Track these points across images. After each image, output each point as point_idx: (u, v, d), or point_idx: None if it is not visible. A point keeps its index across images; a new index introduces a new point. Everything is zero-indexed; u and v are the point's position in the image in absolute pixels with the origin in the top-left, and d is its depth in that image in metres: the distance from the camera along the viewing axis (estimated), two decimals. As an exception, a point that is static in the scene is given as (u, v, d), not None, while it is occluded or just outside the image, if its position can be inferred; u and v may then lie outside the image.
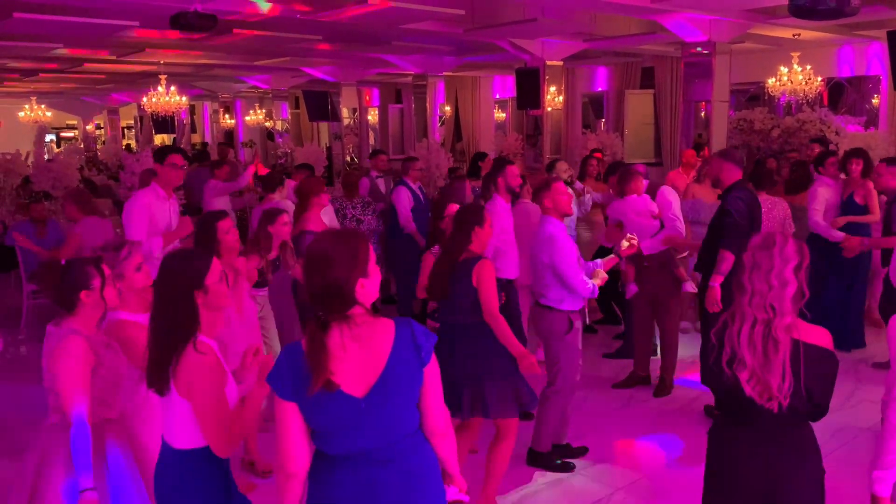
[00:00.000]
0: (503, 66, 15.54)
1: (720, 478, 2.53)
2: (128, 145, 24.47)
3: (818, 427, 2.47)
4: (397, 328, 2.10)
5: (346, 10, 8.08)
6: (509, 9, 9.55)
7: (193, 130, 25.74)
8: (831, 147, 8.56)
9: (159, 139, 22.50)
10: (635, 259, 5.29)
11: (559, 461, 4.38)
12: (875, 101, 11.91)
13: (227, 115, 23.18)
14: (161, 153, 4.98)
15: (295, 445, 2.07)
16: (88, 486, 2.51)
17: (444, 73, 15.39)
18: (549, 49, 11.52)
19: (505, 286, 4.41)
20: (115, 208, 9.63)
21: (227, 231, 3.96)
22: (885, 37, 7.56)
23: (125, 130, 26.84)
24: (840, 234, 6.16)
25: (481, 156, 8.80)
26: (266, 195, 6.55)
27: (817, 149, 7.98)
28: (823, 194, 6.42)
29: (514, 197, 5.51)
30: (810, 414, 2.39)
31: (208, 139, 24.86)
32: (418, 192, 7.49)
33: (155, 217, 4.73)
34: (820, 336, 2.37)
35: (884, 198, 6.11)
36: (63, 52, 11.74)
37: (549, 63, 11.75)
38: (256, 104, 21.31)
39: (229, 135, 22.81)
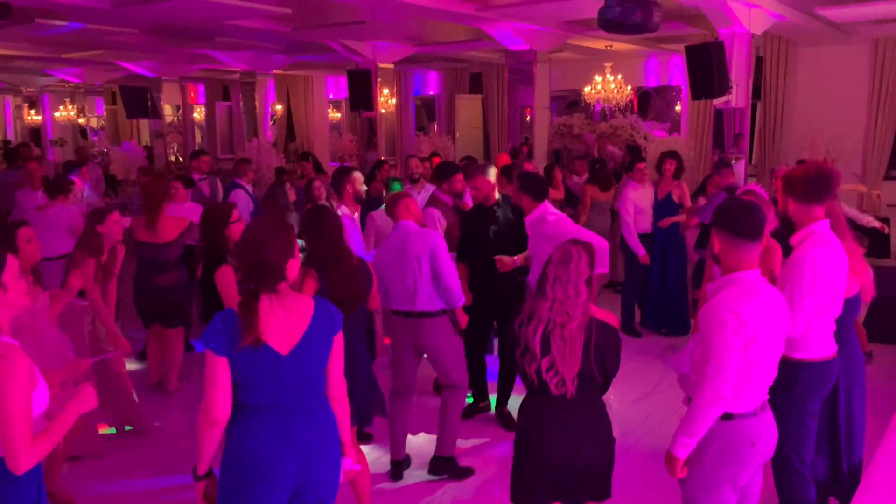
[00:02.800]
0: (336, 67, 15.39)
1: (528, 444, 2.84)
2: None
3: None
4: (316, 302, 2.51)
5: (159, 3, 7.61)
6: (337, 10, 9.46)
7: (-8, 126, 23.27)
8: (643, 154, 9.30)
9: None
10: None
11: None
12: (678, 108, 13.03)
13: (32, 111, 21.15)
14: None
15: (222, 396, 2.38)
16: None
17: (275, 72, 14.99)
18: (380, 52, 11.56)
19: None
20: None
21: (29, 240, 3.76)
22: (684, 50, 8.27)
23: None
24: (642, 251, 6.84)
25: (379, 164, 8.69)
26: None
27: (628, 157, 8.66)
28: (632, 199, 6.98)
29: (359, 202, 5.43)
30: (601, 388, 2.82)
31: (11, 137, 22.56)
32: (252, 194, 7.29)
33: None
34: (609, 316, 2.85)
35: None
36: None
37: (381, 65, 11.78)
38: (67, 99, 19.62)
39: (36, 132, 20.84)
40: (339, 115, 18.02)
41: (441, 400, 4.37)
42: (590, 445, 2.77)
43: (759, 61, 10.57)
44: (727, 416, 2.63)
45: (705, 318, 2.63)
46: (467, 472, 4.35)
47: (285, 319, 2.41)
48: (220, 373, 2.37)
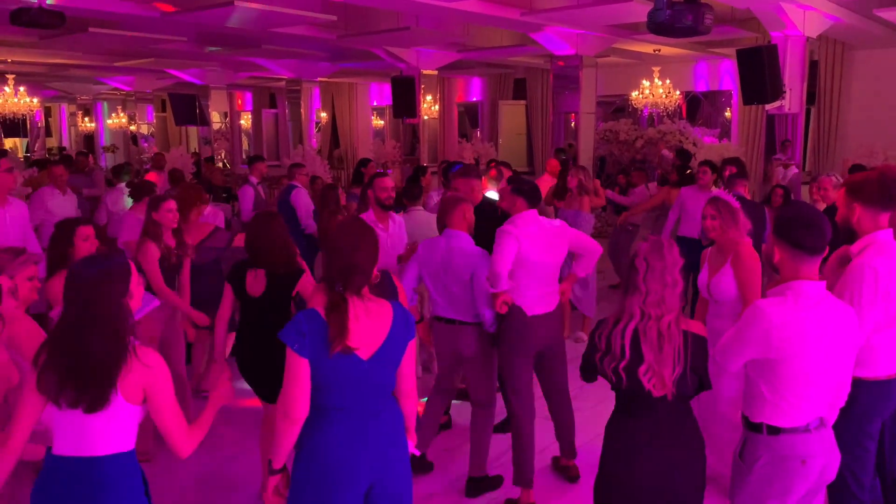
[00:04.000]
0: (380, 74, 15.48)
1: (617, 468, 2.66)
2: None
3: None
4: (394, 308, 2.51)
5: (209, 11, 7.74)
6: (383, 17, 9.49)
7: (49, 134, 23.99)
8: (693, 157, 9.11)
9: (10, 143, 20.80)
10: None
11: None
12: (727, 114, 12.75)
13: (86, 119, 21.77)
14: None
15: (302, 395, 2.38)
16: None
17: (320, 79, 15.13)
18: (423, 58, 11.56)
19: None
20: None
21: (86, 238, 3.87)
22: (734, 55, 8.07)
23: (-31, 133, 24.65)
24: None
25: (364, 162, 8.70)
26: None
27: (677, 161, 8.46)
28: (683, 200, 6.80)
29: (384, 209, 5.17)
30: (695, 391, 2.64)
31: (66, 143, 23.24)
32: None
33: None
34: (699, 327, 2.67)
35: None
36: None
37: (424, 72, 11.79)
38: (119, 107, 20.14)
39: (89, 139, 21.44)
40: (381, 122, 18.11)
41: (473, 418, 4.21)
42: (684, 463, 2.61)
43: (814, 65, 10.27)
44: (774, 430, 2.53)
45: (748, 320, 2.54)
46: (497, 482, 4.22)
47: (369, 325, 2.42)
48: (301, 373, 2.37)
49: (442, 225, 4.15)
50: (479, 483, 4.17)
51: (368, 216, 5.10)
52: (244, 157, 17.47)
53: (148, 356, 2.27)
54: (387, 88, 17.05)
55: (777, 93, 7.72)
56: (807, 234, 2.49)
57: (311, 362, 2.37)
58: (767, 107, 8.20)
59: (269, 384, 3.61)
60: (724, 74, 12.51)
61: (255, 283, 3.68)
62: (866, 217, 3.04)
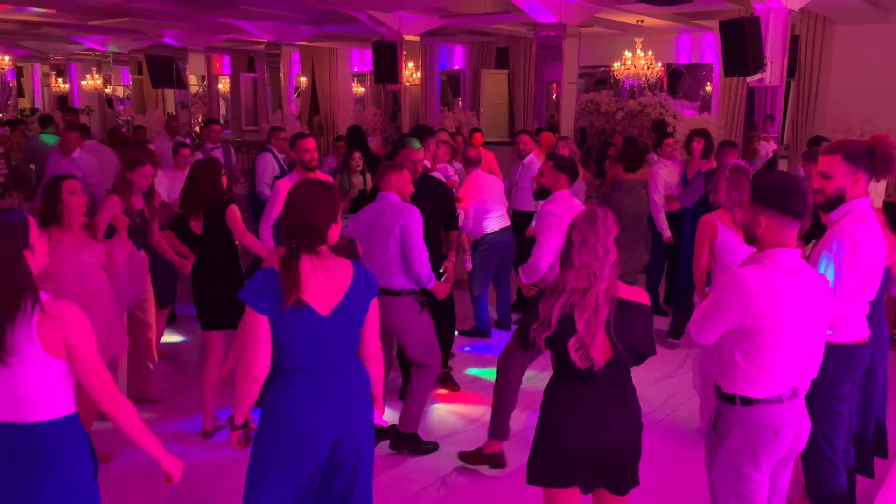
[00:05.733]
0: (361, 39, 15.26)
1: (550, 431, 2.70)
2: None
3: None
4: (354, 266, 2.56)
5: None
6: (365, -21, 9.35)
7: (21, 94, 23.43)
8: (669, 129, 9.09)
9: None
10: None
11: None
12: (708, 87, 12.77)
13: (59, 80, 21.24)
14: None
15: (263, 353, 2.43)
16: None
17: (300, 43, 14.91)
18: (406, 23, 11.42)
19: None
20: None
21: (73, 191, 3.95)
22: (716, 27, 8.06)
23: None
24: (667, 232, 6.72)
25: (355, 130, 8.74)
26: None
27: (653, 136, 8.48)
28: (663, 176, 6.80)
29: (309, 171, 5.10)
30: (635, 360, 2.64)
31: (38, 104, 22.72)
32: (282, 162, 7.39)
33: None
34: (637, 294, 2.65)
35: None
36: None
37: (406, 38, 11.65)
38: (93, 68, 19.68)
39: (63, 100, 20.94)
40: (363, 89, 17.91)
41: (411, 377, 4.29)
42: (617, 430, 2.63)
43: (795, 39, 10.29)
44: (747, 401, 2.55)
45: (720, 283, 2.58)
46: (431, 448, 4.25)
47: (326, 282, 2.47)
48: (260, 330, 2.41)
49: (376, 191, 4.21)
50: (408, 439, 4.20)
51: (291, 177, 5.14)
52: (222, 121, 17.21)
53: (58, 307, 2.20)
54: (368, 54, 16.79)
55: (758, 65, 7.74)
56: (794, 200, 2.51)
57: (270, 319, 2.41)
58: (748, 79, 8.22)
59: (204, 313, 4.35)
60: (705, 47, 12.50)
61: (196, 224, 4.27)
62: (847, 182, 3.04)
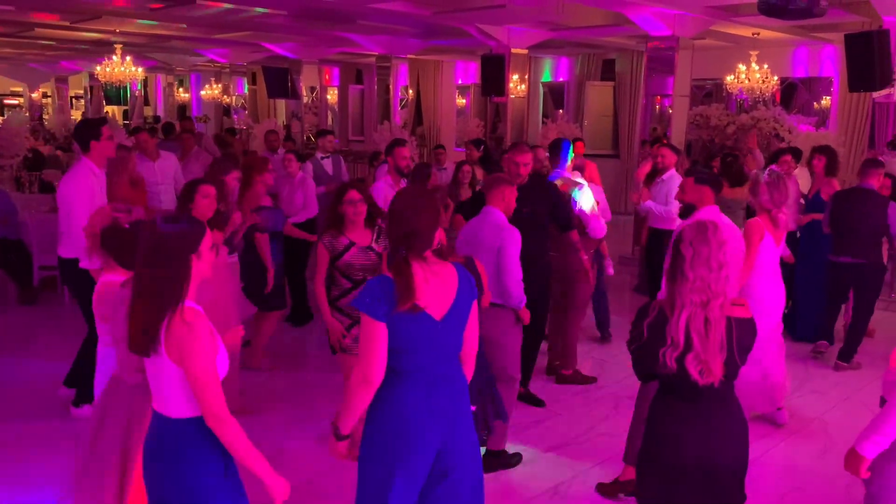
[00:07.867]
0: (467, 52, 15.52)
1: (661, 451, 2.66)
2: (85, 118, 23.65)
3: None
4: (458, 268, 2.61)
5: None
6: (477, -6, 9.54)
7: (146, 103, 25.05)
8: (782, 145, 8.81)
9: (110, 111, 21.83)
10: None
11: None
12: (826, 102, 12.27)
13: (181, 89, 22.60)
14: (90, 126, 4.78)
15: (379, 359, 2.45)
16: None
17: (408, 56, 15.29)
18: (515, 36, 11.55)
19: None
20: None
21: (206, 196, 4.15)
22: (838, 40, 7.80)
23: (73, 100, 25.96)
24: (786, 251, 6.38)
25: (478, 143, 8.87)
26: None
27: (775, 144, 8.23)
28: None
29: (402, 176, 5.54)
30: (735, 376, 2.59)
31: (161, 113, 24.21)
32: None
33: (95, 197, 4.57)
34: (744, 310, 2.59)
35: None
36: (13, 14, 11.29)
37: (514, 51, 11.77)
38: (213, 79, 20.83)
39: (182, 109, 22.26)
40: (463, 101, 18.18)
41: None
42: (727, 447, 2.59)
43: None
44: None
45: None
46: (517, 461, 4.20)
47: (437, 286, 2.50)
48: (378, 337, 2.43)
49: (482, 204, 4.15)
50: (498, 457, 4.14)
51: (386, 181, 5.37)
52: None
53: (191, 315, 2.26)
54: (472, 67, 17.09)
55: (886, 80, 7.44)
56: None
57: (387, 326, 2.43)
58: (875, 95, 7.89)
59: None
60: (825, 60, 12.03)
61: None
62: None
